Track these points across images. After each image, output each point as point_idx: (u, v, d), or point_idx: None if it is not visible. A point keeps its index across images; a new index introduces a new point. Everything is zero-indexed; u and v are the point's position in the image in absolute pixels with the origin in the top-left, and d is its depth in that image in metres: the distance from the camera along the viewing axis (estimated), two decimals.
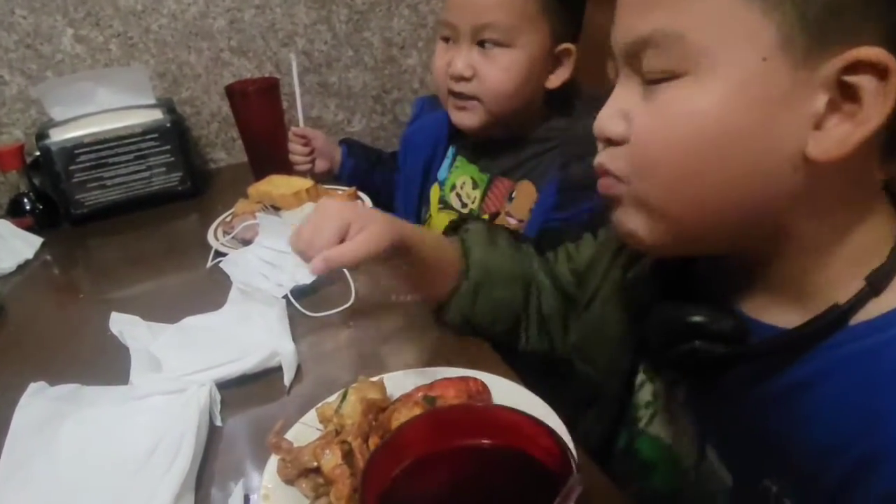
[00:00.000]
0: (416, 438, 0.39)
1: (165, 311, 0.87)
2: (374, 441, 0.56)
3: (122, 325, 0.81)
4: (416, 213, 1.18)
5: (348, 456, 0.56)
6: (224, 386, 0.73)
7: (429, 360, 0.72)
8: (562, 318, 0.76)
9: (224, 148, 1.49)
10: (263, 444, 0.65)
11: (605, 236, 0.72)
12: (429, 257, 0.72)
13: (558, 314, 0.76)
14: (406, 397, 0.62)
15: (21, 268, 1.10)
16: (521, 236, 0.83)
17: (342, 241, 0.63)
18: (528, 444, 0.39)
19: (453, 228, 0.83)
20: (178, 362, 0.75)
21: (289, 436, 0.62)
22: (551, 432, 0.39)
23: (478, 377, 0.65)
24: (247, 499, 0.59)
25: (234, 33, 1.41)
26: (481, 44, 0.94)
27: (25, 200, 1.22)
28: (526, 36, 0.92)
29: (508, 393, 0.64)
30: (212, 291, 0.92)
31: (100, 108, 1.22)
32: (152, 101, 1.27)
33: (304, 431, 0.63)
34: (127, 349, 0.79)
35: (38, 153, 1.19)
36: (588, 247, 0.74)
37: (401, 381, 0.66)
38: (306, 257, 0.64)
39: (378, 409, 0.60)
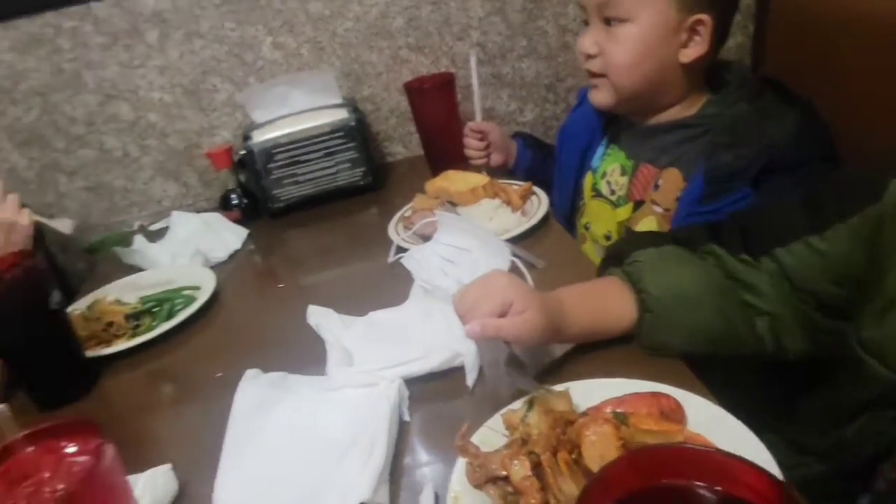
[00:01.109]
0: (622, 476, 0.37)
1: (352, 302, 0.92)
2: (562, 456, 0.55)
3: (319, 317, 0.87)
4: (571, 202, 1.16)
5: (537, 468, 0.55)
6: (409, 382, 0.76)
7: (613, 370, 0.69)
8: (799, 319, 0.70)
9: (401, 142, 1.55)
10: (449, 443, 0.67)
11: (861, 220, 0.65)
12: (585, 329, 0.73)
13: (793, 316, 0.70)
14: (594, 411, 0.61)
15: (231, 257, 1.24)
16: (695, 240, 0.77)
17: (502, 314, 0.67)
18: (747, 491, 0.35)
19: (612, 257, 0.79)
20: (368, 356, 0.79)
21: (475, 439, 0.63)
22: (774, 482, 0.35)
23: (670, 393, 0.61)
24: (437, 498, 0.61)
25: (412, 30, 1.46)
26: (608, 21, 0.95)
27: (233, 196, 1.37)
28: (646, 9, 0.92)
29: (705, 414, 0.60)
30: (393, 286, 0.96)
31: (294, 110, 1.33)
32: (339, 101, 1.35)
33: (490, 436, 0.63)
34: (321, 340, 0.85)
35: (243, 152, 1.31)
36: (842, 237, 0.66)
37: (586, 392, 0.64)
38: (464, 320, 0.68)
39: (565, 421, 0.59)
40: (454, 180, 1.13)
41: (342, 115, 1.32)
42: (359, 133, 1.32)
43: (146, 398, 0.90)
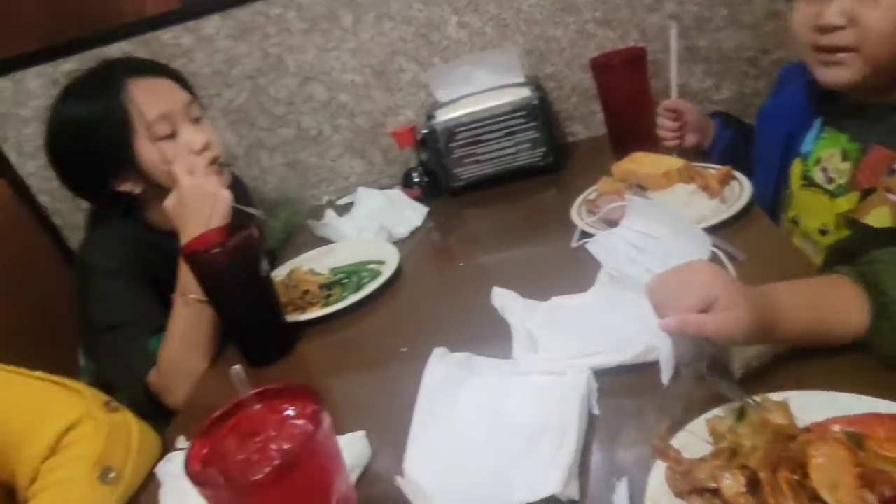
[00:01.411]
0: None
1: (533, 285, 0.91)
2: (784, 475, 0.50)
3: (503, 299, 0.87)
4: (774, 192, 1.04)
5: (752, 484, 0.50)
6: (596, 374, 0.73)
7: (837, 382, 0.61)
8: None
9: (582, 121, 1.50)
10: (641, 442, 0.63)
11: None
12: (802, 333, 0.64)
13: None
14: (819, 428, 0.54)
15: (412, 234, 1.28)
16: None
17: (704, 310, 0.61)
18: None
19: (840, 255, 0.69)
20: (554, 343, 0.77)
21: (673, 442, 0.59)
22: None
23: None
24: (632, 500, 0.58)
25: (600, 4, 1.39)
26: None
27: (415, 174, 1.41)
28: None
29: None
30: (576, 271, 0.93)
31: (476, 89, 1.33)
32: (521, 80, 1.33)
33: (691, 441, 0.59)
34: (504, 322, 0.85)
35: (425, 131, 1.34)
36: None
37: (805, 405, 0.57)
38: (660, 312, 0.63)
39: (787, 437, 0.53)
40: (644, 163, 1.07)
41: (524, 93, 1.30)
42: (540, 112, 1.30)
43: (337, 364, 0.96)
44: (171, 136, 1.08)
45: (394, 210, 1.32)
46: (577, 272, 0.92)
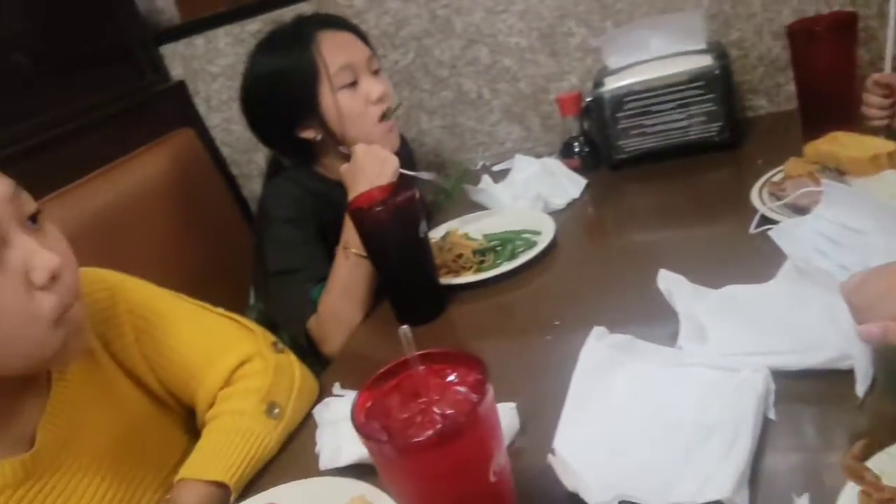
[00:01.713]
0: None
1: (701, 271, 0.84)
2: None
3: (669, 283, 0.81)
4: None
5: None
6: (774, 375, 0.66)
7: None
8: None
9: (766, 95, 1.36)
10: (825, 457, 0.57)
11: None
12: None
13: None
14: None
15: (568, 205, 1.24)
16: None
17: None
18: None
19: None
20: (727, 336, 0.71)
21: (870, 465, 0.52)
22: None
23: None
24: None
25: None
26: None
27: (576, 144, 1.35)
28: None
29: None
30: (753, 260, 0.85)
31: (651, 56, 1.24)
32: (702, 47, 1.22)
33: (891, 465, 0.52)
34: (668, 307, 0.79)
35: (590, 99, 1.28)
36: None
37: None
38: (860, 317, 0.56)
39: None
40: (846, 145, 0.94)
41: (704, 62, 1.20)
42: (721, 83, 1.19)
43: (487, 332, 0.96)
44: (352, 85, 1.15)
45: (552, 180, 1.28)
46: (754, 261, 0.84)
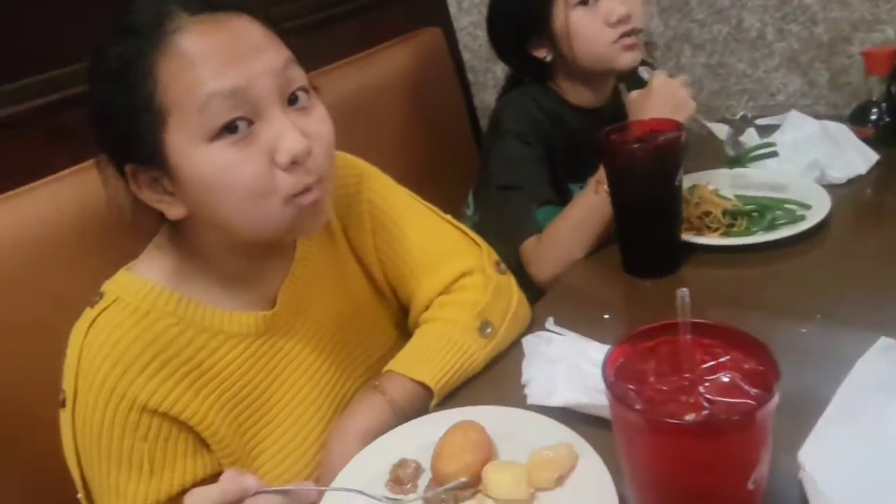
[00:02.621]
0: None
1: None
2: None
3: None
4: None
5: None
6: None
7: None
8: None
9: None
10: None
11: None
12: None
13: None
14: None
15: (850, 182, 1.04)
16: None
17: None
18: None
19: None
20: None
21: None
22: None
23: None
24: None
25: None
26: None
27: (874, 110, 1.13)
28: None
29: None
30: None
31: None
32: None
33: None
34: None
35: None
36: None
37: None
38: None
39: None
40: None
41: None
42: None
43: (725, 304, 0.85)
44: (586, 2, 1.06)
45: (834, 147, 1.08)
46: None
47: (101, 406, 0.63)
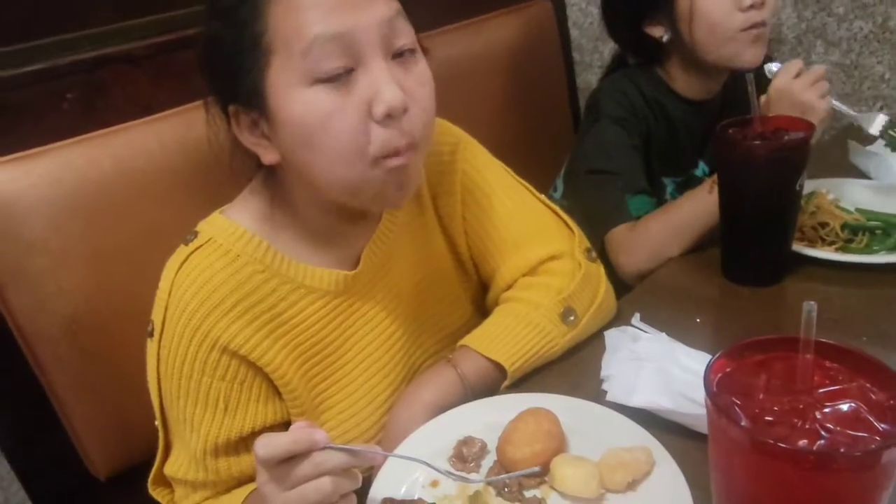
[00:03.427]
0: None
1: None
2: None
3: None
4: None
5: None
6: None
7: None
8: None
9: None
10: None
11: None
12: None
13: None
14: None
15: None
16: None
17: None
18: None
19: None
20: None
21: None
22: None
23: None
24: None
25: None
26: None
27: None
28: None
29: None
30: None
31: None
32: None
33: None
34: None
35: None
36: None
37: None
38: None
39: None
40: None
41: None
42: None
43: (833, 326, 0.78)
44: None
45: None
46: None
47: (185, 341, 0.65)
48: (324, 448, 0.52)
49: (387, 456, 0.61)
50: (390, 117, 0.61)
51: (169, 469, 0.70)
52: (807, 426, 0.38)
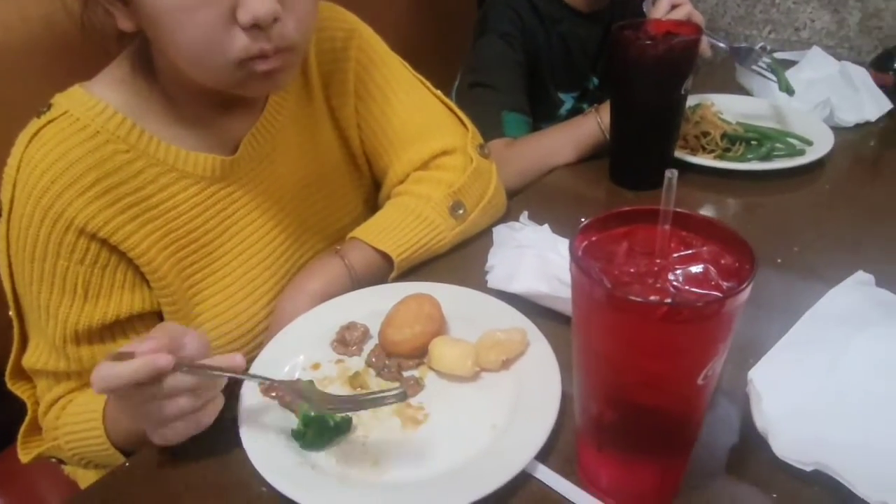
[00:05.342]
0: None
1: None
2: None
3: None
4: None
5: None
6: None
7: None
8: None
9: None
10: None
11: None
12: None
13: None
14: None
15: (858, 126, 1.00)
16: None
17: None
18: None
19: None
20: None
21: None
22: None
23: None
24: None
25: None
26: None
27: None
28: None
29: None
30: None
31: None
32: None
33: None
34: None
35: None
36: None
37: None
38: None
39: None
40: None
41: None
42: None
43: None
44: None
45: (848, 90, 1.04)
46: None
47: (36, 221, 0.59)
48: (173, 372, 0.49)
49: (240, 378, 0.55)
50: (258, 27, 0.55)
51: (28, 361, 0.65)
52: (659, 285, 0.40)
